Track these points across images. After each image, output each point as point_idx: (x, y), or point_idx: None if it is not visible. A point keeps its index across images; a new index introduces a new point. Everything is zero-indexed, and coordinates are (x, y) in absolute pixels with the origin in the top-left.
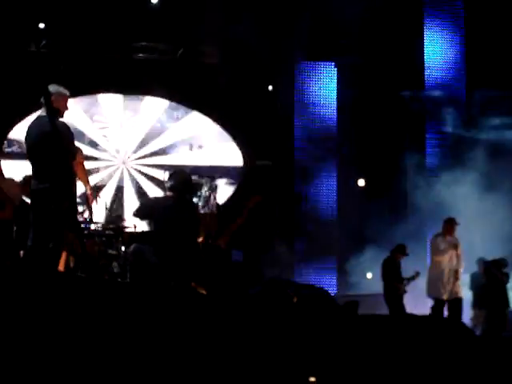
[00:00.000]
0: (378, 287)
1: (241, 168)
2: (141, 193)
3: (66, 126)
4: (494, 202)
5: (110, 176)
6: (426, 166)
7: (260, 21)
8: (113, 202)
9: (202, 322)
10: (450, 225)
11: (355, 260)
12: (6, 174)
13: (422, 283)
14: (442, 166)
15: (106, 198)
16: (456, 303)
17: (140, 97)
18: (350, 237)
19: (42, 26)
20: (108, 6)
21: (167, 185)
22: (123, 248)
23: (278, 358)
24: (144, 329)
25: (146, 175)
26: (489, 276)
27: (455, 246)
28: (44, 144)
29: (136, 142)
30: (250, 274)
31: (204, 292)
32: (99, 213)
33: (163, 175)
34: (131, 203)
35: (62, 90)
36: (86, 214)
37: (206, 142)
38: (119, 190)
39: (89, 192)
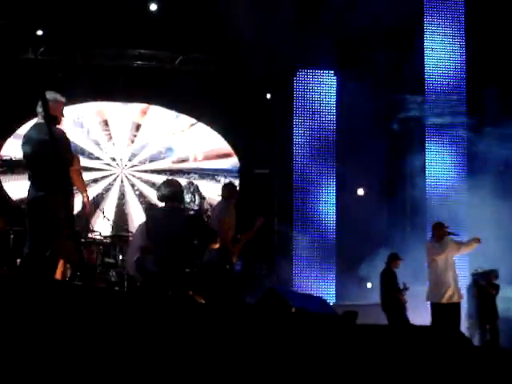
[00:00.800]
0: (378, 297)
1: (239, 176)
2: (143, 198)
3: (62, 134)
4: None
5: (110, 185)
6: (426, 173)
7: (259, 28)
8: (116, 211)
9: (200, 331)
10: (438, 229)
11: (355, 269)
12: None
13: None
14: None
15: (107, 208)
16: (455, 308)
17: (136, 104)
18: (350, 246)
19: (40, 32)
20: (106, 13)
21: (157, 195)
22: (121, 257)
23: (276, 369)
24: (141, 338)
25: (145, 182)
26: (477, 288)
27: (449, 250)
28: (41, 152)
29: (132, 149)
30: (248, 284)
31: (202, 301)
32: (99, 222)
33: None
34: (134, 210)
35: (58, 97)
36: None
37: (204, 149)
38: (120, 198)
39: (86, 200)
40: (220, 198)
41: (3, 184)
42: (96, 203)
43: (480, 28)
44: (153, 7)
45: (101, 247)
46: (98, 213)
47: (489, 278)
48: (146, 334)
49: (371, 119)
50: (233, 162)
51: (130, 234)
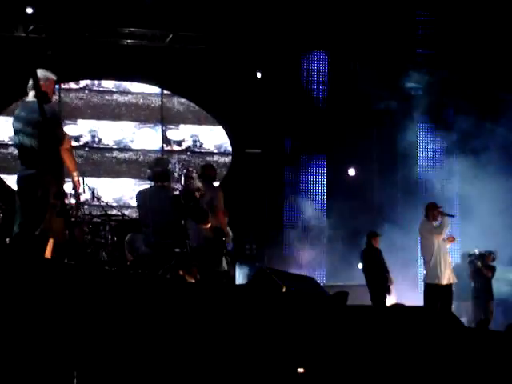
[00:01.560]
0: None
1: (230, 155)
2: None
3: (53, 112)
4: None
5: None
6: (417, 155)
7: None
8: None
9: (190, 311)
10: (432, 209)
11: (345, 250)
12: None
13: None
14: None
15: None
16: (449, 289)
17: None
18: (340, 226)
19: (30, 10)
20: None
21: (148, 174)
22: (110, 236)
23: (267, 349)
24: (131, 317)
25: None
26: (473, 269)
27: (447, 227)
28: (32, 129)
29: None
30: (239, 265)
31: (192, 280)
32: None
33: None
34: (126, 190)
35: (49, 74)
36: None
37: (194, 129)
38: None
39: (76, 179)
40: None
41: None
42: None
43: None
44: None
45: (91, 227)
46: (88, 192)
47: (486, 259)
48: (135, 312)
49: (362, 98)
50: (223, 141)
51: (120, 214)
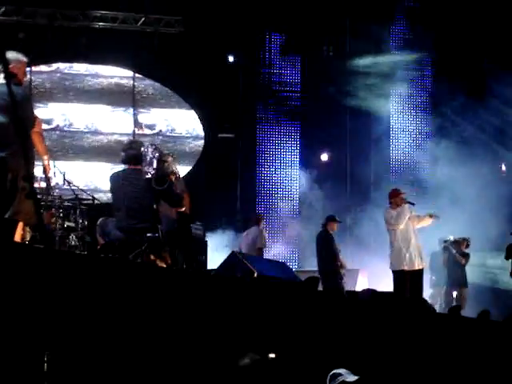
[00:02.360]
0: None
1: (202, 140)
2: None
3: (24, 94)
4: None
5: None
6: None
7: None
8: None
9: (160, 296)
10: (395, 196)
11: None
12: None
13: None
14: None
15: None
16: (417, 275)
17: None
18: (313, 212)
19: None
20: None
21: (121, 157)
22: (81, 220)
23: (237, 335)
24: (100, 301)
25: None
26: (446, 256)
27: (407, 218)
28: (2, 112)
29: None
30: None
31: (163, 265)
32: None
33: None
34: (97, 173)
35: (20, 56)
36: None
37: (167, 114)
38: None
39: (46, 163)
40: None
41: None
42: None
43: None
44: None
45: (61, 211)
46: (59, 176)
47: (460, 246)
48: (105, 296)
49: (336, 83)
50: (196, 125)
51: (91, 198)
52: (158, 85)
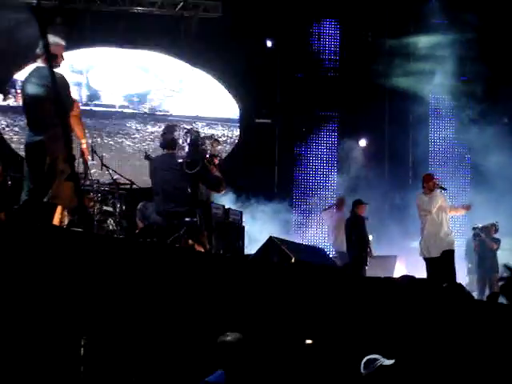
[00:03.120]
0: (379, 249)
1: (240, 125)
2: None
3: (63, 78)
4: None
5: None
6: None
7: None
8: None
9: (199, 280)
10: (428, 181)
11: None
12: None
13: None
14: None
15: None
16: (447, 258)
17: (141, 51)
18: (351, 198)
19: None
20: None
21: (159, 142)
22: (119, 205)
23: (275, 319)
24: (138, 285)
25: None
26: (477, 242)
27: (439, 204)
28: (41, 95)
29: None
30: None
31: (202, 250)
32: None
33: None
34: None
35: (58, 40)
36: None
37: (204, 98)
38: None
39: (84, 147)
40: None
41: (2, 130)
42: (94, 150)
43: None
44: None
45: (99, 195)
46: (97, 160)
47: (489, 231)
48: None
49: (374, 70)
50: (234, 111)
51: (129, 182)
52: (196, 69)
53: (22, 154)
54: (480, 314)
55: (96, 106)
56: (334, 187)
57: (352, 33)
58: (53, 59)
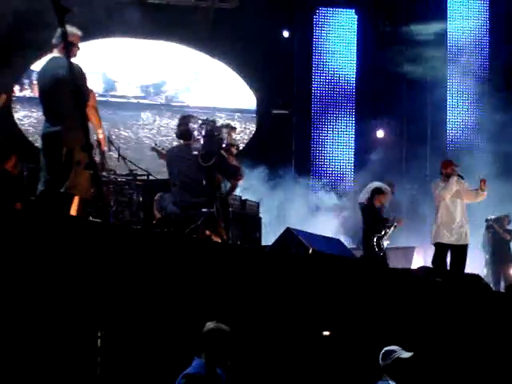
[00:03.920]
0: (396, 241)
1: (256, 116)
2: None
3: (79, 68)
4: None
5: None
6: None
7: None
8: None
9: (216, 270)
10: (446, 167)
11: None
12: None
13: None
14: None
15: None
16: (459, 250)
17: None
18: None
19: None
20: None
21: (175, 133)
22: (135, 196)
23: (293, 310)
24: (156, 274)
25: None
26: (491, 234)
27: (454, 191)
28: (57, 86)
29: (149, 87)
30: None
31: (219, 240)
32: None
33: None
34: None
35: (74, 30)
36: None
37: (221, 88)
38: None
39: (101, 137)
40: None
41: (18, 121)
42: (111, 141)
43: None
44: None
45: (116, 186)
46: (114, 151)
47: (502, 223)
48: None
49: (391, 60)
50: (250, 101)
51: (146, 173)
52: (212, 59)
53: (38, 145)
54: (498, 305)
55: (112, 96)
56: (351, 177)
57: (368, 22)
58: (70, 49)
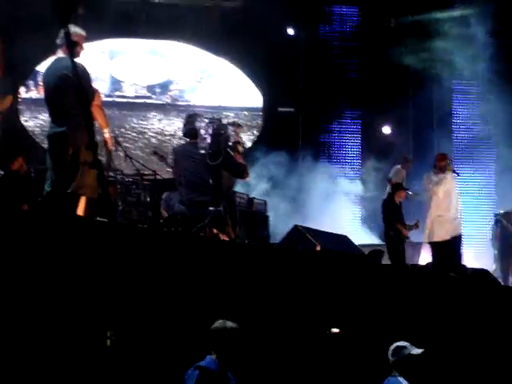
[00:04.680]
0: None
1: (262, 114)
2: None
3: (83, 68)
4: None
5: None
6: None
7: None
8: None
9: (224, 269)
10: (440, 160)
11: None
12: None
13: None
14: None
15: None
16: (452, 243)
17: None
18: (374, 186)
19: None
20: None
21: (182, 132)
22: (142, 195)
23: (301, 307)
24: (163, 273)
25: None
26: (499, 228)
27: (449, 185)
28: (62, 86)
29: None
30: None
31: (226, 239)
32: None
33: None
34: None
35: (78, 30)
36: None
37: (227, 87)
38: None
39: (107, 136)
40: None
41: (25, 123)
42: (118, 141)
43: None
44: None
45: (123, 185)
46: (121, 151)
47: (511, 218)
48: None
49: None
50: (256, 100)
51: (153, 173)
52: (217, 58)
53: (45, 146)
54: (507, 300)
55: (118, 97)
56: (358, 175)
57: (372, 18)
58: (73, 49)
